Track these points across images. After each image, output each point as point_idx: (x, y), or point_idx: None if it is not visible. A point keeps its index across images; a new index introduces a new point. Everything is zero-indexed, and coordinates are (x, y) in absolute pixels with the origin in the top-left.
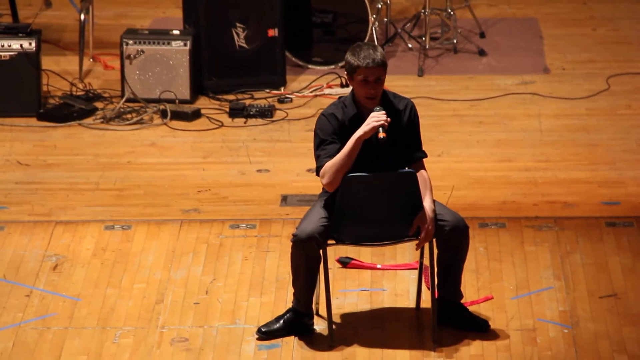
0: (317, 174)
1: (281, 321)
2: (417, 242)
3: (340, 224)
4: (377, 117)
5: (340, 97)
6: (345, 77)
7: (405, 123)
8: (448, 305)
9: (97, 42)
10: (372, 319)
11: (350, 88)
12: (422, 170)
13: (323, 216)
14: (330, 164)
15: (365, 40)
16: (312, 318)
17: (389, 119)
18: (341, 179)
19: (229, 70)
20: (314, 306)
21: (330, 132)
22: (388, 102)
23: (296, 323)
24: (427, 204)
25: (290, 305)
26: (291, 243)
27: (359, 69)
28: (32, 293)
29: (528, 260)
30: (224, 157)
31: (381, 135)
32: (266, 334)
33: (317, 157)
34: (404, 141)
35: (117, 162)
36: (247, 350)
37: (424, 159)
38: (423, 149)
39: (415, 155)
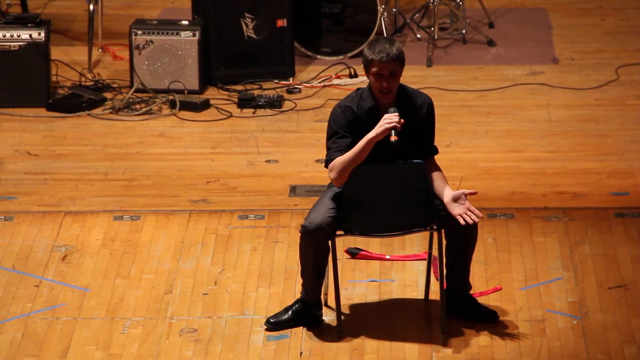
0: (326, 167)
1: (290, 312)
2: (425, 232)
3: (349, 215)
4: (389, 120)
5: (358, 89)
6: (359, 79)
7: (421, 120)
8: (457, 296)
9: (106, 32)
10: (381, 310)
11: (365, 79)
12: (438, 172)
13: (331, 207)
14: (340, 160)
15: (374, 31)
16: (321, 309)
17: (402, 121)
18: (349, 175)
19: (238, 60)
20: (322, 297)
21: (344, 124)
22: (405, 98)
23: (305, 314)
24: (450, 191)
25: (298, 295)
26: (300, 234)
27: (373, 62)
28: (41, 283)
29: (537, 251)
30: (233, 147)
31: (393, 138)
32: (275, 324)
33: (328, 149)
34: (418, 138)
35: (126, 153)
36: (255, 340)
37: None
38: (435, 144)
39: (427, 152)
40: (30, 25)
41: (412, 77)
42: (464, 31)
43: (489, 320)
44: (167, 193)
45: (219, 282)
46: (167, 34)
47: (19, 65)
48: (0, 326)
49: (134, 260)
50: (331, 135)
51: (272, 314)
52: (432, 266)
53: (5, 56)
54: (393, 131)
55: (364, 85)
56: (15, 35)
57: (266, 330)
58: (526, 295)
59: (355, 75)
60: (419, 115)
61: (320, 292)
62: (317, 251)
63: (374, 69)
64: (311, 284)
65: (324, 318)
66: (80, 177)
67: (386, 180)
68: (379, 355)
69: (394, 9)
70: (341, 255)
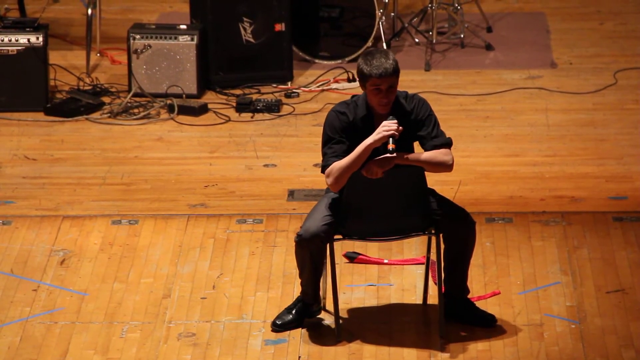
0: (322, 172)
1: (293, 312)
2: (424, 236)
3: (347, 219)
4: (387, 127)
5: (353, 96)
6: (357, 83)
7: (415, 120)
8: (455, 300)
9: (104, 36)
10: (379, 314)
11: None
12: (445, 149)
13: (327, 214)
14: (338, 166)
15: (372, 35)
16: (320, 304)
17: (400, 128)
18: (346, 181)
19: (236, 64)
20: (321, 294)
21: (339, 129)
22: (398, 104)
23: (306, 312)
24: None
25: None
26: (295, 242)
27: (371, 79)
28: (39, 287)
29: (535, 255)
30: (231, 151)
31: (390, 146)
32: (281, 326)
33: (324, 155)
34: (418, 137)
35: (124, 157)
36: (254, 345)
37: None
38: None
39: (432, 145)
40: (28, 29)
41: (410, 81)
42: (462, 35)
43: (487, 325)
44: (165, 197)
45: (217, 287)
46: (165, 38)
47: (17, 69)
48: None
49: (132, 264)
50: (327, 141)
51: (274, 317)
52: (430, 270)
53: (4, 60)
54: (391, 139)
55: (362, 90)
56: (13, 39)
57: (272, 331)
58: (524, 299)
59: (354, 80)
60: (415, 116)
61: (319, 289)
62: (314, 257)
63: (372, 85)
64: (310, 286)
65: (321, 317)
66: (78, 181)
67: (384, 184)
68: (377, 359)
69: (392, 14)
70: (339, 259)
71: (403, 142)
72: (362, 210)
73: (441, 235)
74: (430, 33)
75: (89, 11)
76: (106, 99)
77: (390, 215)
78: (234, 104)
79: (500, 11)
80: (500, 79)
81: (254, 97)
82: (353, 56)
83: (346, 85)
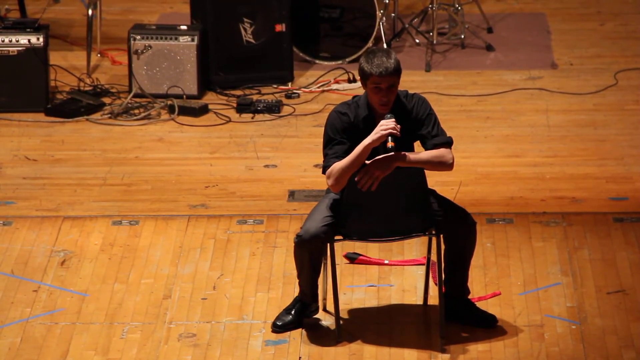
0: (323, 173)
1: (292, 312)
2: (424, 237)
3: (348, 220)
4: (385, 126)
5: (354, 97)
6: (359, 81)
7: (415, 119)
8: (455, 301)
9: (105, 37)
10: (380, 315)
11: (360, 85)
12: (445, 148)
13: (327, 215)
14: (338, 167)
15: (373, 36)
16: (317, 303)
17: (398, 126)
18: (347, 181)
19: (237, 65)
20: (321, 301)
21: (340, 129)
22: (399, 103)
23: (305, 312)
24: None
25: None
26: (294, 243)
27: (371, 77)
28: (39, 288)
29: (536, 256)
30: (232, 152)
31: (389, 144)
32: (281, 327)
33: (325, 156)
34: (419, 136)
35: (125, 158)
36: (254, 345)
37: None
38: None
39: (432, 144)
40: (29, 30)
41: (411, 82)
42: (462, 36)
43: (488, 325)
44: (165, 198)
45: (218, 287)
46: (166, 38)
47: (18, 70)
48: None
49: (132, 265)
50: (328, 141)
51: (271, 319)
52: (430, 271)
53: (4, 61)
54: (390, 137)
55: (363, 91)
56: (14, 40)
57: (273, 332)
58: (525, 300)
59: (354, 80)
60: (415, 115)
61: (317, 289)
62: (313, 257)
63: (372, 83)
64: (308, 285)
65: (322, 317)
66: (78, 182)
67: (385, 185)
68: None
69: (393, 14)
70: (340, 260)
71: (403, 141)
72: (363, 210)
73: (442, 235)
74: (431, 34)
75: (90, 12)
76: (107, 100)
77: (390, 216)
78: (235, 105)
79: (501, 12)
80: (501, 79)
81: (255, 97)
82: (353, 57)
83: (347, 86)
